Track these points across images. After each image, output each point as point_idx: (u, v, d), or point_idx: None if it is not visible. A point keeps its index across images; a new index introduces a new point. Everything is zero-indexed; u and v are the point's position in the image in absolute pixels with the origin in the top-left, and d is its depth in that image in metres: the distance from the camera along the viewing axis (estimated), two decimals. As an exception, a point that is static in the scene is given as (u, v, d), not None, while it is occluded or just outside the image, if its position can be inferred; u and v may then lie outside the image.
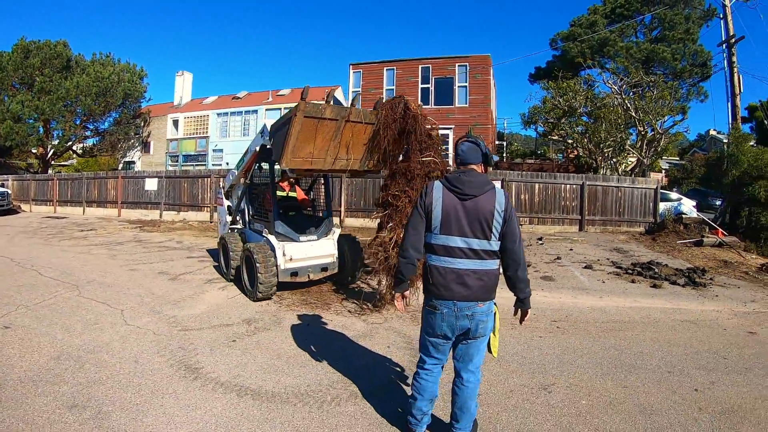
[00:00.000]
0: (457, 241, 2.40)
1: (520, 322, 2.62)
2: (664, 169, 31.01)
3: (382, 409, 3.08)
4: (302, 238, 6.01)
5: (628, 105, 17.55)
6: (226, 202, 7.45)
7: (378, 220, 5.37)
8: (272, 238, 5.81)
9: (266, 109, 25.28)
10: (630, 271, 7.89)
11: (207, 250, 9.36)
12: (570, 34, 31.05)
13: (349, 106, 5.11)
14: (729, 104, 12.02)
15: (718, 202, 15.92)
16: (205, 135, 26.14)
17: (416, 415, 2.63)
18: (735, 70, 11.95)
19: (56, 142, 25.03)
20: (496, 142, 27.86)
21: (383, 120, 5.04)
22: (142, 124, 27.28)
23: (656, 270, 7.81)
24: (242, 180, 6.83)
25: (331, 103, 4.92)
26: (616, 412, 3.11)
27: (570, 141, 19.90)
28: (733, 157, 10.49)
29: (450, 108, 20.86)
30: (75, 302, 5.47)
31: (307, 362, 3.83)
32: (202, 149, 26.09)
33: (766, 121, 16.74)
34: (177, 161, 26.68)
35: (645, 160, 17.76)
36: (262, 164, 6.61)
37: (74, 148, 26.98)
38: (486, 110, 20.72)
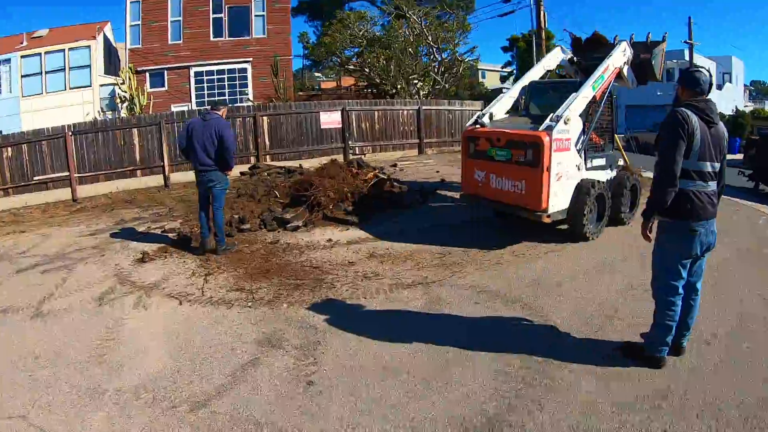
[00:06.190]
0: (708, 166, 2.54)
1: None
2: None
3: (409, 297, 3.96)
4: None
5: (428, 34, 19.91)
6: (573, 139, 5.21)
7: None
8: None
9: (22, 56, 19.42)
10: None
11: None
12: (338, -33, 31.38)
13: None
14: (534, 36, 15.16)
15: None
16: (-57, 94, 18.82)
17: (668, 341, 2.69)
18: (541, 6, 14.98)
19: None
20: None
21: None
22: None
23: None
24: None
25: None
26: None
27: (367, 70, 20.34)
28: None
29: (247, 39, 19.55)
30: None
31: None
32: (-59, 112, 18.83)
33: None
34: None
35: (445, 85, 20.87)
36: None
37: None
38: (286, 40, 20.19)
